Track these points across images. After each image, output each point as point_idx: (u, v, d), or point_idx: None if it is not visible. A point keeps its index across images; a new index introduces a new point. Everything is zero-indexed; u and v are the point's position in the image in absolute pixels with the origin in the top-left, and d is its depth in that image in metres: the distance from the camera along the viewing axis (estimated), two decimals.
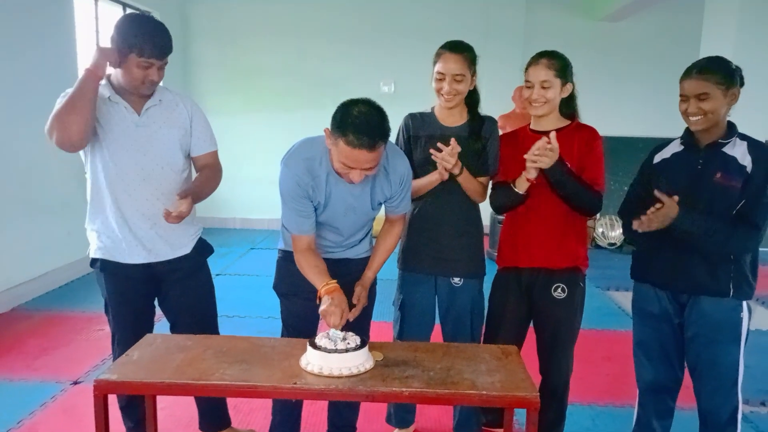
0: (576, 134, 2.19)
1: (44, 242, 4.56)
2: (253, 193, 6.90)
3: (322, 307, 1.85)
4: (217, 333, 2.38)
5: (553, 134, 2.03)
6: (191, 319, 2.28)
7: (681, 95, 1.96)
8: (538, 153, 2.00)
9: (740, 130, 2.01)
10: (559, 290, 2.23)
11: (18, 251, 4.28)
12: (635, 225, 1.90)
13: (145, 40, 1.96)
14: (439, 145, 2.09)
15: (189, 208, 2.02)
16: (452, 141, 2.07)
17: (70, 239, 4.83)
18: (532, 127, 2.26)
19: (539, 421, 1.63)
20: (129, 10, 6.13)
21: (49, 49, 4.59)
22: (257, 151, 6.84)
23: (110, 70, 2.04)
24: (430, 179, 2.18)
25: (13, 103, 4.17)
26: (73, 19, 4.98)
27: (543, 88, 2.13)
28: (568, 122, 2.23)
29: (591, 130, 2.21)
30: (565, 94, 2.18)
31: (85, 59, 5.13)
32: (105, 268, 2.18)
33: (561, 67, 2.13)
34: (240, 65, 7.14)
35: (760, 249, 2.02)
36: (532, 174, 2.06)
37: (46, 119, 1.96)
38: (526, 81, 2.17)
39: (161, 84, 2.16)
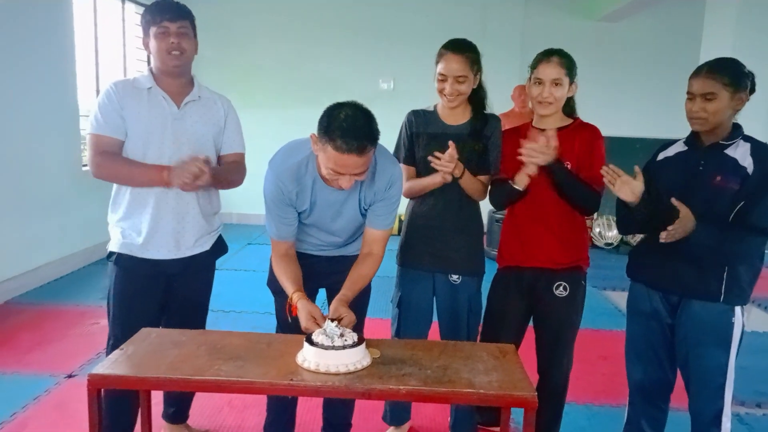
0: (578, 133, 2.18)
1: (37, 236, 4.53)
2: (251, 188, 6.86)
3: (302, 325, 1.82)
4: (204, 327, 2.38)
5: (553, 131, 2.02)
6: (182, 308, 2.27)
7: (688, 92, 1.92)
8: (533, 150, 1.99)
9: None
10: (561, 288, 2.22)
11: (10, 245, 4.25)
12: (662, 238, 1.82)
13: (155, 8, 2.04)
14: (436, 153, 2.04)
15: (208, 176, 1.99)
16: (450, 144, 2.02)
17: (63, 233, 4.81)
18: (535, 124, 2.24)
19: (536, 421, 1.62)
20: (128, 4, 6.10)
21: (46, 45, 4.54)
22: (255, 147, 6.67)
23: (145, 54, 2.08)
24: (433, 180, 2.14)
25: (8, 99, 4.13)
26: (72, 14, 4.93)
27: (554, 85, 2.10)
28: (570, 121, 2.22)
29: (593, 129, 2.20)
30: (571, 94, 2.17)
31: (83, 56, 5.10)
32: (119, 262, 2.16)
33: (570, 66, 2.12)
34: (238, 62, 7.11)
35: None
36: (531, 169, 2.04)
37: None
38: (536, 78, 2.13)
39: (201, 84, 2.21)
